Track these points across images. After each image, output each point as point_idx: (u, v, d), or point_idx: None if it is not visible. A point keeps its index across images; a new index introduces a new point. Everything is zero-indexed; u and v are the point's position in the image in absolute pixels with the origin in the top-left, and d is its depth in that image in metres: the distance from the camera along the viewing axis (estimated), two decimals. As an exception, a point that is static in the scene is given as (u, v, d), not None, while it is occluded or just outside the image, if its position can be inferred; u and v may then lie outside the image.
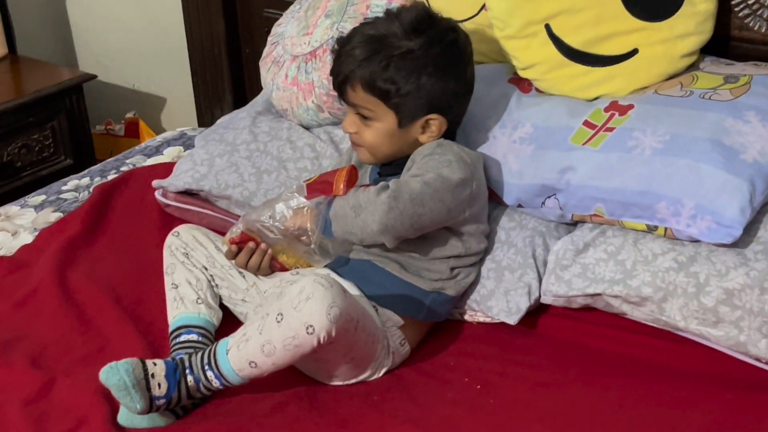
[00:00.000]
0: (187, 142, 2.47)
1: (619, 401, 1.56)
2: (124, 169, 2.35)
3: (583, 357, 1.67)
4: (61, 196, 2.26)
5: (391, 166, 1.76)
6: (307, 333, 1.45)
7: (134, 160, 2.41)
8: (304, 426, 1.54)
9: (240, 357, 1.50)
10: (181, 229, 1.84)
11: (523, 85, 1.89)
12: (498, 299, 1.73)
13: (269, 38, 2.27)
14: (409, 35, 1.66)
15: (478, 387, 1.62)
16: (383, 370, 1.64)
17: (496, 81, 1.90)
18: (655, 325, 1.67)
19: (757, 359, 1.60)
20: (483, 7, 1.93)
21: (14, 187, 2.77)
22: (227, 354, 1.51)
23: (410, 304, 1.68)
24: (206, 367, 1.52)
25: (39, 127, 2.84)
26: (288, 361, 1.50)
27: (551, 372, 1.65)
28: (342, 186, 1.65)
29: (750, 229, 1.61)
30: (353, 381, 1.63)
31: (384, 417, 1.56)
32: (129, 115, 3.20)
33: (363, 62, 1.66)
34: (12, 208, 2.22)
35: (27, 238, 2.09)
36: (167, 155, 2.42)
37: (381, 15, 1.75)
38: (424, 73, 1.66)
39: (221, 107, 2.74)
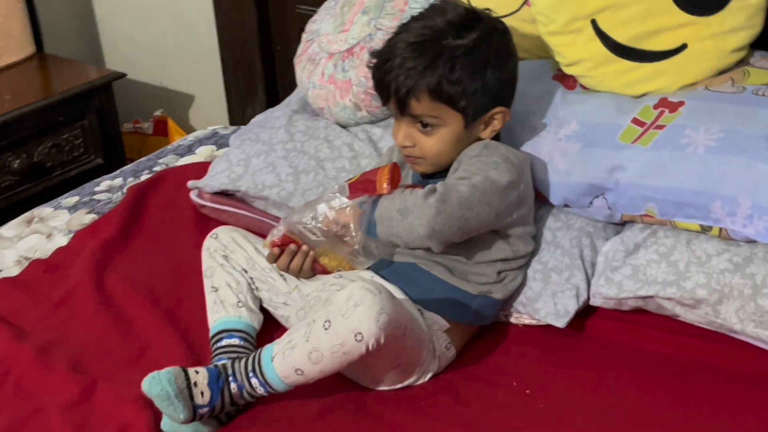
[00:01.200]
0: (219, 141, 2.44)
1: (675, 406, 1.52)
2: (156, 168, 2.33)
3: (634, 360, 1.64)
4: (95, 197, 2.24)
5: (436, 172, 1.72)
6: (356, 340, 1.42)
7: (167, 159, 2.39)
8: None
9: (286, 364, 1.47)
10: (219, 231, 1.81)
11: (568, 81, 1.84)
12: (545, 301, 1.70)
13: (304, 35, 2.24)
14: (461, 32, 1.62)
15: (528, 391, 1.58)
16: (429, 375, 1.62)
17: (540, 78, 1.85)
18: (709, 328, 1.64)
19: (817, 363, 1.56)
20: (525, 2, 1.89)
21: (44, 187, 2.76)
22: (272, 361, 1.48)
23: (457, 308, 1.64)
24: (250, 375, 1.50)
25: (69, 126, 2.82)
26: (335, 368, 1.48)
27: (601, 376, 1.61)
28: (386, 185, 1.62)
29: (808, 229, 1.56)
30: (399, 386, 1.60)
31: (432, 422, 1.53)
32: (157, 113, 3.17)
33: (426, 70, 1.60)
34: (45, 209, 2.20)
35: (62, 240, 2.07)
36: (200, 154, 2.39)
37: (411, 20, 1.70)
38: (488, 67, 1.62)
39: (253, 105, 2.72)
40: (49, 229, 2.12)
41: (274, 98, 2.65)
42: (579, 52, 1.79)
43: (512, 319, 1.76)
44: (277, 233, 1.70)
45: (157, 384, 1.46)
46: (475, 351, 1.69)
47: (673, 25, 1.74)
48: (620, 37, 1.76)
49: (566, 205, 1.77)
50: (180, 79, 3.21)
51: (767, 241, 1.56)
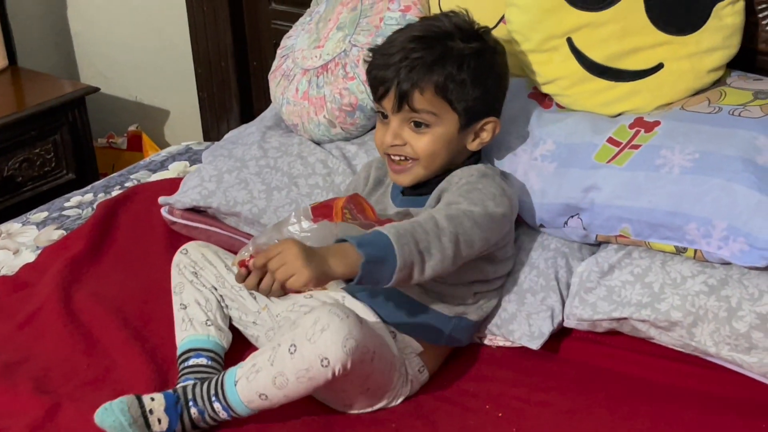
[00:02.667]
0: (192, 156, 2.41)
1: (649, 430, 1.50)
2: (128, 184, 2.30)
3: (609, 382, 1.62)
4: (64, 212, 2.21)
5: (417, 188, 1.69)
6: (322, 365, 1.39)
7: (139, 175, 2.36)
8: (318, 456, 1.49)
9: (250, 389, 1.44)
10: (189, 246, 1.78)
11: (544, 100, 1.83)
12: (520, 323, 1.67)
13: (279, 51, 2.22)
14: (468, 38, 1.62)
15: (500, 414, 1.56)
16: (401, 399, 1.58)
17: (516, 96, 1.83)
18: (683, 351, 1.62)
19: (792, 387, 1.54)
20: (501, 19, 1.87)
21: (15, 202, 2.72)
22: (236, 385, 1.45)
23: (431, 331, 1.62)
24: (213, 399, 1.47)
25: (40, 141, 2.79)
26: (301, 393, 1.45)
27: (575, 398, 1.59)
28: (340, 214, 1.60)
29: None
30: (369, 410, 1.57)
31: (403, 446, 1.50)
32: (132, 128, 3.14)
33: (434, 64, 1.58)
34: (13, 225, 2.17)
35: (29, 256, 2.03)
36: (172, 170, 2.36)
37: (413, 23, 1.70)
38: (491, 75, 1.63)
39: (228, 121, 2.69)
40: (16, 245, 2.08)
41: (248, 114, 2.63)
42: (555, 71, 1.78)
43: (486, 341, 1.73)
44: (245, 253, 1.67)
45: (109, 415, 1.44)
46: (448, 373, 1.66)
47: (649, 45, 1.73)
48: (596, 55, 1.75)
49: (541, 226, 1.75)
50: (155, 94, 3.18)
51: (742, 264, 1.54)
